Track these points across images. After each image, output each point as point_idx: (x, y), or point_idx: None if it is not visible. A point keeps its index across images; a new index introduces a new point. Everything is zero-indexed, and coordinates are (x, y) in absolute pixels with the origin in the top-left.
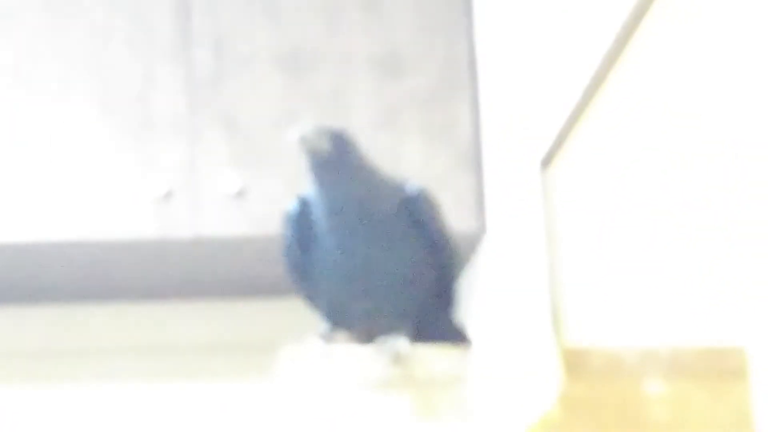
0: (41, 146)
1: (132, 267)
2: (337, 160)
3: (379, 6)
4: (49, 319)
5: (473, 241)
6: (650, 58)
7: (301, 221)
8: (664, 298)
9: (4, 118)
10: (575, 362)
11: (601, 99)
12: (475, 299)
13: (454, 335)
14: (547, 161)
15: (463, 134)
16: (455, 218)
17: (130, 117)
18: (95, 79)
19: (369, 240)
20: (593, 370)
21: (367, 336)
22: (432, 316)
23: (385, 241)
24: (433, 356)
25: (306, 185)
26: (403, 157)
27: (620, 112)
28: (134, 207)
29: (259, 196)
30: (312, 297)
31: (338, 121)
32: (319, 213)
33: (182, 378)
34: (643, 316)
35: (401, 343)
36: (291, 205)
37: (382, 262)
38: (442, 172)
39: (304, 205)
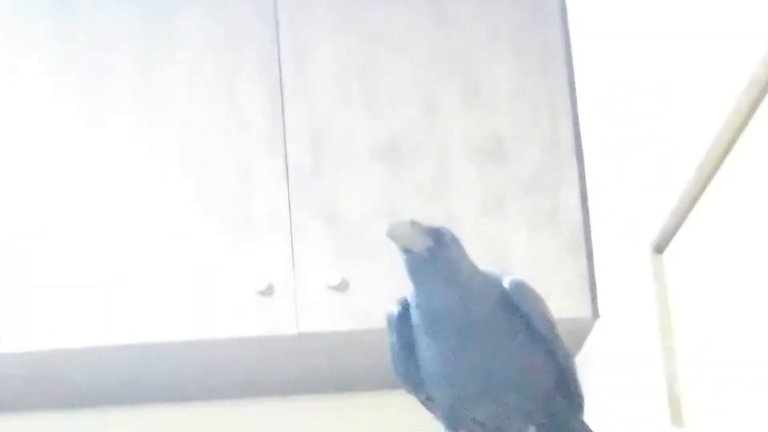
0: (142, 246)
1: (236, 364)
2: (433, 258)
3: (478, 91)
4: (156, 419)
5: (585, 328)
6: None
7: (404, 324)
8: None
9: (107, 219)
10: None
11: (718, 181)
12: (588, 388)
13: None
14: (661, 246)
15: (571, 219)
16: (566, 305)
17: (229, 213)
18: (193, 175)
19: (470, 343)
20: None
21: None
22: (558, 419)
23: (489, 342)
24: None
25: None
26: (510, 245)
27: (738, 195)
28: (237, 304)
29: (361, 289)
30: (428, 403)
31: (441, 211)
32: (416, 315)
33: None
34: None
35: None
36: (392, 307)
37: (487, 364)
38: (550, 259)
39: (406, 307)
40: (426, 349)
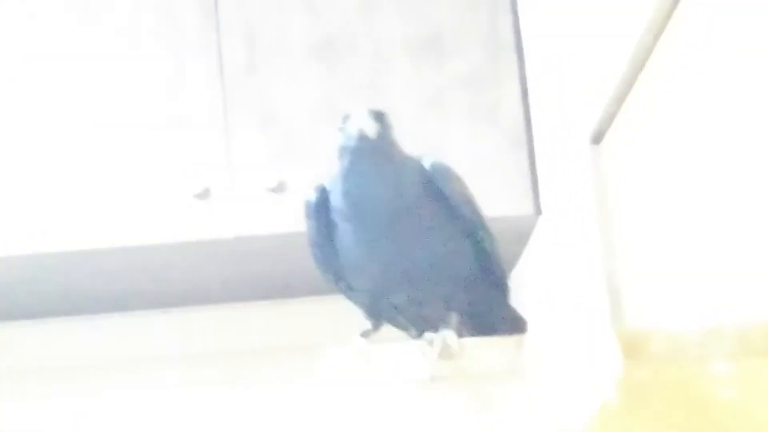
0: (72, 148)
1: (173, 270)
2: (380, 143)
3: None
4: (90, 329)
5: (528, 225)
6: (699, 25)
7: (323, 211)
8: (726, 274)
9: (36, 121)
10: (635, 346)
11: (648, 71)
12: (531, 286)
13: (509, 324)
14: (597, 138)
15: (511, 114)
16: (508, 202)
17: (163, 114)
18: (124, 78)
19: (394, 228)
20: (654, 354)
21: (414, 330)
22: (483, 306)
23: (411, 228)
24: (484, 348)
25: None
26: (450, 141)
27: (669, 82)
28: (172, 208)
29: (299, 190)
30: (348, 292)
31: (379, 105)
32: (340, 202)
33: (225, 382)
34: (705, 294)
35: (449, 336)
36: (309, 194)
37: (411, 248)
38: (491, 155)
39: (324, 194)
40: (346, 236)
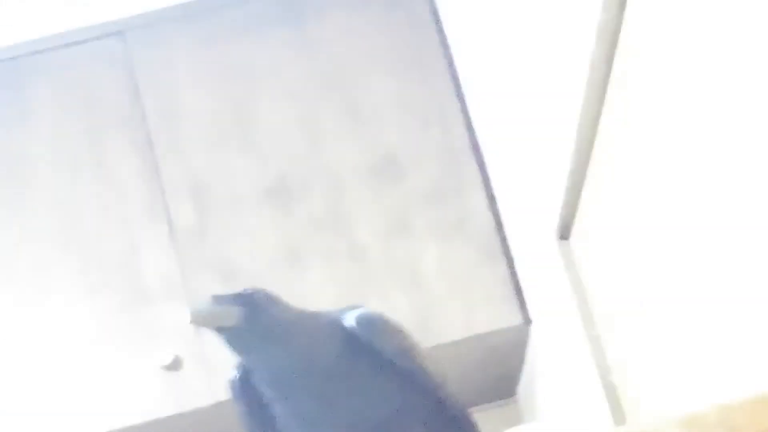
0: (35, 346)
1: None
2: (252, 325)
3: (360, 111)
4: None
5: (521, 337)
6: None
7: (249, 388)
8: (703, 357)
9: None
10: None
11: (596, 157)
12: (540, 399)
13: None
14: (565, 232)
15: (481, 224)
16: (494, 316)
17: (120, 289)
18: (74, 254)
19: (326, 396)
20: None
21: None
22: None
23: (346, 390)
24: None
25: None
26: (422, 263)
27: (613, 171)
28: (143, 384)
29: None
30: None
31: (343, 242)
32: (259, 382)
33: None
34: (686, 379)
35: None
36: (230, 374)
37: (350, 413)
38: (467, 271)
39: (246, 371)
40: (280, 413)
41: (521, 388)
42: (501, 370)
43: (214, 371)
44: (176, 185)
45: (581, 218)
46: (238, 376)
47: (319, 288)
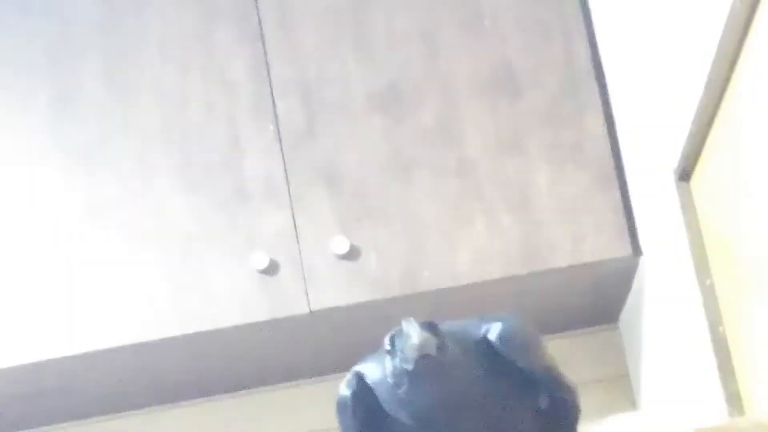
0: (130, 234)
1: (244, 353)
2: (442, 356)
3: (481, 20)
4: (174, 418)
5: (629, 267)
6: None
7: (362, 401)
8: None
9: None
10: None
11: (730, 95)
12: (640, 337)
13: None
14: (686, 173)
15: (597, 150)
16: (602, 246)
17: (221, 188)
18: (176, 150)
19: (469, 415)
20: None
21: None
22: None
23: (488, 408)
24: None
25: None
26: (533, 185)
27: (751, 108)
28: (238, 287)
29: (373, 254)
30: None
31: (452, 156)
32: (402, 417)
33: None
34: None
35: None
36: (342, 389)
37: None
38: (579, 196)
39: (362, 382)
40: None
41: (624, 315)
42: (605, 298)
43: (310, 279)
44: (285, 85)
45: (705, 161)
46: (350, 393)
47: (426, 201)
